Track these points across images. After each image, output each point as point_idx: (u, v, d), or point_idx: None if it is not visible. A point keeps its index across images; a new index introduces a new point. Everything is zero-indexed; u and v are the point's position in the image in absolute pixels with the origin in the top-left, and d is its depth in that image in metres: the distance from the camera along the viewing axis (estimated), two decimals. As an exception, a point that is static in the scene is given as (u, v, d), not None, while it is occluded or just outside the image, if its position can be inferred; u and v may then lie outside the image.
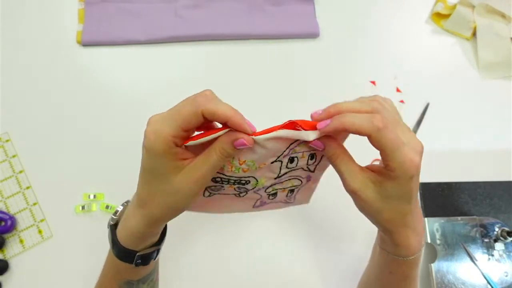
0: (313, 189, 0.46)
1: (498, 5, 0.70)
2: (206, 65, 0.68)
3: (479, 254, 0.53)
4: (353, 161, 0.37)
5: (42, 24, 0.68)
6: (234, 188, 0.42)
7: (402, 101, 0.68)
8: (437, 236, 0.53)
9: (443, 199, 0.55)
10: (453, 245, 0.53)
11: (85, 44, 0.67)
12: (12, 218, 0.56)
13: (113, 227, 0.38)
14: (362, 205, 0.37)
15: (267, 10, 0.70)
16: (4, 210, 0.58)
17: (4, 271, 0.54)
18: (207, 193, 0.42)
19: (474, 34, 0.72)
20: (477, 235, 0.54)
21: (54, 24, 0.68)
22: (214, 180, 0.39)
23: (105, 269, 0.40)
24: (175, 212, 0.36)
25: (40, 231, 0.57)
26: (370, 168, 0.37)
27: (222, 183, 0.40)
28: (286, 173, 0.41)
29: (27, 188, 0.59)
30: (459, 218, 0.54)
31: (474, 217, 0.55)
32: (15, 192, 0.59)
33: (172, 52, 0.68)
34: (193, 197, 0.35)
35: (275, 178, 0.42)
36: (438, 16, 0.73)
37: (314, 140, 0.37)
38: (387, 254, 0.41)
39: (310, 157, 0.40)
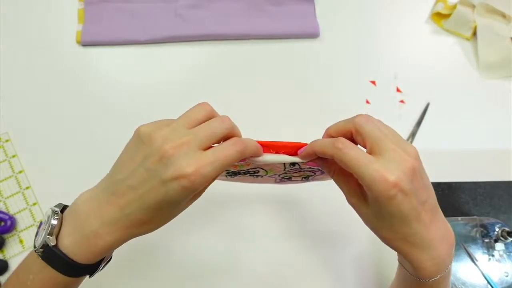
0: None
1: (499, 5, 0.70)
2: (206, 65, 0.68)
3: (479, 254, 0.53)
4: (351, 175, 0.35)
5: (41, 24, 0.68)
6: (248, 175, 0.43)
7: (402, 101, 0.68)
8: (437, 236, 0.53)
9: (443, 199, 0.55)
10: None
11: (85, 44, 0.67)
12: (12, 218, 0.56)
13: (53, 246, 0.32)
14: (363, 220, 0.37)
15: (267, 10, 0.70)
16: (4, 210, 0.58)
17: (4, 271, 0.54)
18: (225, 175, 0.42)
19: (474, 34, 0.72)
20: (477, 235, 0.54)
21: (53, 24, 0.68)
22: (225, 173, 0.40)
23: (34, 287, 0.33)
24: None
25: (40, 231, 0.57)
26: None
27: (234, 175, 0.42)
28: (291, 170, 0.42)
29: (27, 188, 0.59)
30: (459, 218, 0.54)
31: (474, 217, 0.54)
32: (14, 192, 0.59)
33: (172, 52, 0.68)
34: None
35: (284, 170, 0.42)
36: (438, 16, 0.73)
37: (308, 161, 0.38)
38: (406, 272, 0.38)
39: (304, 178, 0.43)
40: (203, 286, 0.56)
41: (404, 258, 0.36)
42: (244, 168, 0.41)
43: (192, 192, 0.31)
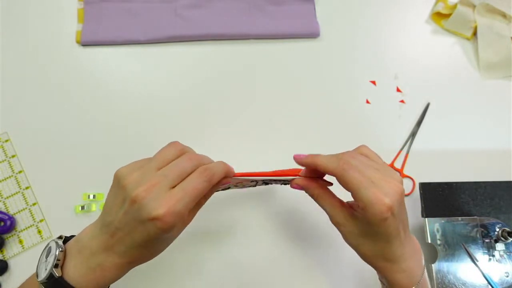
0: None
1: (499, 4, 0.70)
2: (206, 65, 0.68)
3: (480, 254, 0.53)
4: (334, 197, 0.41)
5: (41, 23, 0.68)
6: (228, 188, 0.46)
7: (402, 101, 0.68)
8: (438, 236, 0.53)
9: (443, 199, 0.55)
10: (454, 246, 0.53)
11: (85, 44, 0.66)
12: (11, 219, 0.56)
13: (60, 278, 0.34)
14: (345, 238, 0.40)
15: (267, 10, 0.70)
16: (4, 210, 0.57)
17: (4, 271, 0.54)
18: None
19: (474, 33, 0.72)
20: (478, 236, 0.53)
21: (53, 23, 0.68)
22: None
23: None
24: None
25: (39, 231, 0.57)
26: (351, 205, 0.40)
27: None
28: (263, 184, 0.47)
29: (27, 188, 0.59)
30: (459, 218, 0.54)
31: (475, 217, 0.54)
32: (14, 192, 0.59)
33: (171, 52, 0.68)
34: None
35: (256, 184, 0.47)
36: (439, 16, 0.73)
37: (294, 185, 0.42)
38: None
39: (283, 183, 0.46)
40: (200, 285, 0.56)
41: (379, 273, 0.40)
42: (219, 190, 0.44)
43: (170, 229, 0.33)
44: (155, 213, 0.32)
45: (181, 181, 0.34)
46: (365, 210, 0.35)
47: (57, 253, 0.34)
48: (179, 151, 0.37)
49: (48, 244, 0.37)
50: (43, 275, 0.34)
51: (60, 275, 0.34)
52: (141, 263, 0.37)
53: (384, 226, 0.35)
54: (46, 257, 0.36)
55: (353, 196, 0.36)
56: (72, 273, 0.34)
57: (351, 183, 0.35)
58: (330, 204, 0.40)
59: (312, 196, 0.41)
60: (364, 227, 0.37)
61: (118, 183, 0.35)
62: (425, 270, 0.40)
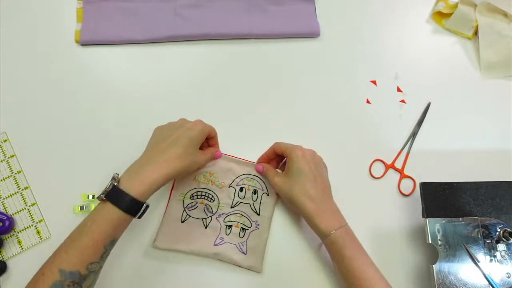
0: (263, 247, 0.56)
1: (500, 4, 0.70)
2: (206, 64, 0.68)
3: (481, 255, 0.52)
4: (275, 171, 0.58)
5: (40, 23, 0.67)
6: (204, 205, 0.58)
7: (403, 101, 0.67)
8: (439, 237, 0.53)
9: (444, 199, 0.55)
10: (455, 246, 0.53)
11: (84, 43, 0.66)
12: (10, 219, 0.56)
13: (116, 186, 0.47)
14: (278, 189, 0.56)
15: (268, 9, 0.70)
16: (2, 210, 0.57)
17: (2, 272, 0.54)
18: (184, 215, 0.57)
19: (475, 33, 0.71)
20: (479, 236, 0.53)
21: (52, 23, 0.68)
22: (191, 196, 0.58)
23: (92, 231, 0.45)
24: (188, 173, 0.57)
25: (38, 232, 0.57)
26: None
27: (197, 198, 0.58)
28: (238, 203, 0.58)
29: (25, 188, 0.59)
30: (460, 218, 0.54)
31: (476, 217, 0.54)
32: (13, 192, 0.58)
33: (171, 51, 0.68)
34: (198, 168, 0.58)
35: (231, 207, 0.58)
36: (439, 15, 0.73)
37: (256, 166, 0.59)
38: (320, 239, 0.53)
39: (253, 192, 0.59)
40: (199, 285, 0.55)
41: (305, 214, 0.52)
42: (208, 185, 0.58)
43: (202, 133, 0.53)
44: (196, 123, 0.54)
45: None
46: (290, 156, 0.55)
47: (115, 174, 0.48)
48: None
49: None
50: (102, 192, 0.46)
51: (117, 184, 0.46)
52: (174, 170, 0.49)
53: (300, 163, 0.53)
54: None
55: (285, 155, 0.56)
56: (124, 184, 0.46)
57: (285, 147, 0.56)
58: (271, 173, 0.57)
59: (262, 171, 0.59)
60: (289, 171, 0.54)
61: (163, 127, 0.55)
62: (347, 230, 0.52)
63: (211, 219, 0.58)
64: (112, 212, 0.45)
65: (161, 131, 0.54)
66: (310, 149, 0.56)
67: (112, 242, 0.47)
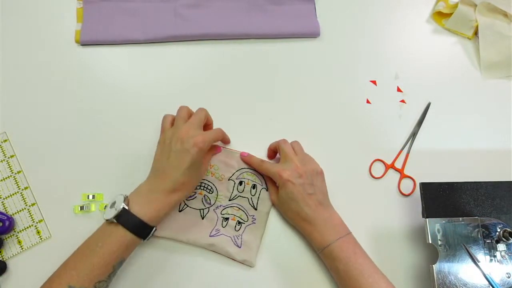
0: (259, 241, 0.57)
1: (500, 3, 0.70)
2: (206, 64, 0.67)
3: (481, 255, 0.52)
4: (275, 187, 0.57)
5: (40, 23, 0.67)
6: (203, 196, 0.58)
7: (403, 101, 0.67)
8: (439, 237, 0.53)
9: (444, 199, 0.55)
10: (455, 246, 0.53)
11: (84, 43, 0.66)
12: (10, 219, 0.56)
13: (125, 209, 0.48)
14: (277, 207, 0.58)
15: (268, 9, 0.70)
16: (2, 210, 0.57)
17: (2, 272, 0.54)
18: (182, 204, 0.58)
19: (475, 33, 0.71)
20: (479, 236, 0.53)
21: (52, 23, 0.68)
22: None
23: (103, 252, 0.46)
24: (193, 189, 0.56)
25: (38, 232, 0.57)
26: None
27: (196, 189, 0.58)
28: (236, 196, 0.58)
29: (25, 188, 0.59)
30: (460, 218, 0.54)
31: (476, 217, 0.54)
32: (13, 192, 0.58)
33: (171, 51, 0.68)
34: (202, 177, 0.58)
35: (229, 200, 0.58)
36: (439, 15, 0.73)
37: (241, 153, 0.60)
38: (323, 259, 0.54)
39: (252, 187, 0.59)
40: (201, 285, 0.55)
41: (303, 233, 0.55)
42: (208, 177, 0.59)
43: (203, 152, 0.51)
44: (196, 141, 0.50)
45: (202, 124, 0.54)
46: (275, 179, 0.55)
47: (124, 196, 0.49)
48: (188, 108, 0.56)
49: (112, 200, 0.50)
50: (112, 214, 0.47)
51: (127, 208, 0.47)
52: (183, 194, 0.51)
53: (287, 188, 0.53)
54: (111, 207, 0.48)
55: (269, 175, 0.57)
56: (135, 208, 0.48)
57: (264, 170, 0.58)
58: (271, 189, 0.59)
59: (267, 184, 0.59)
60: (281, 195, 0.55)
61: (165, 140, 0.52)
62: (348, 239, 0.52)
63: (208, 210, 0.58)
64: (124, 235, 0.47)
65: (163, 146, 0.52)
66: (300, 157, 0.56)
67: (121, 262, 0.49)
